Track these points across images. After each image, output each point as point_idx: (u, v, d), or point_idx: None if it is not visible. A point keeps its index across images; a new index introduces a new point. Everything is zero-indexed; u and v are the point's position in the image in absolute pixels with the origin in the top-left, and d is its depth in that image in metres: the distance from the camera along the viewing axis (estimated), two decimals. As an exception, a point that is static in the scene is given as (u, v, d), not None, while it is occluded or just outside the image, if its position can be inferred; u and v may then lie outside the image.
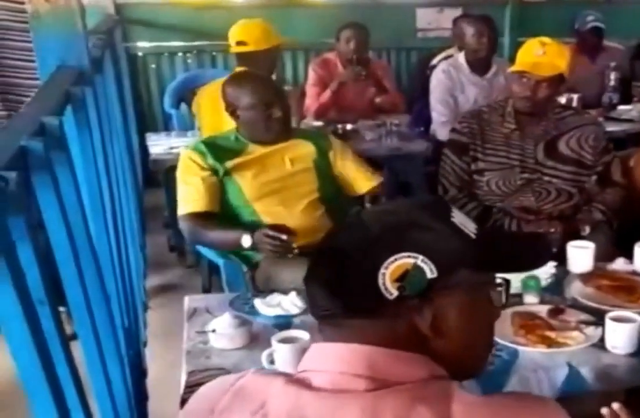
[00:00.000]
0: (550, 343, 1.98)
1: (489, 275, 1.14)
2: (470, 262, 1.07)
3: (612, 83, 5.10)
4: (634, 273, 2.44)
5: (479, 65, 4.58)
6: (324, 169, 2.98)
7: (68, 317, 2.17)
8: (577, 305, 2.21)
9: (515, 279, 2.07)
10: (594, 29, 5.40)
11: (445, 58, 4.96)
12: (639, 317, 1.98)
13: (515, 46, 4.10)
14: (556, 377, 1.89)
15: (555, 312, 2.14)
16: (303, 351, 1.53)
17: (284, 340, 1.90)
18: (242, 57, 4.16)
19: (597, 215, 3.01)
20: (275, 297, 2.27)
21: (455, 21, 5.45)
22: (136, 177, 4.79)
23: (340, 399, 1.00)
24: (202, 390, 1.17)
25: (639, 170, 3.30)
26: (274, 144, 2.90)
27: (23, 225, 1.19)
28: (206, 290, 3.83)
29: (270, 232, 2.53)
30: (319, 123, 4.50)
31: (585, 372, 1.90)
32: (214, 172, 2.81)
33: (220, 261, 3.03)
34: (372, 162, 3.21)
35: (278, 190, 2.87)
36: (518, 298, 2.20)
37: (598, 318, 2.06)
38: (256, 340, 2.07)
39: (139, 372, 2.74)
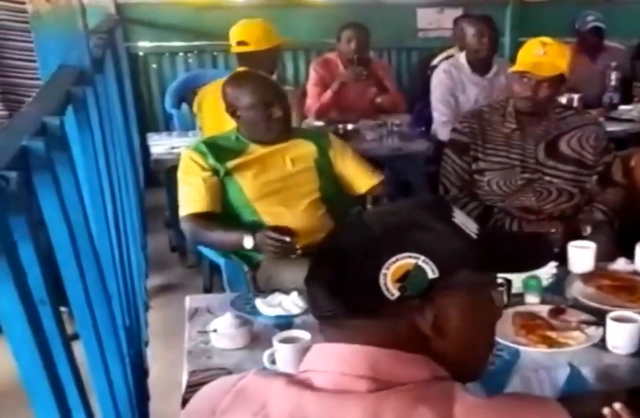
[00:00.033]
0: (551, 343, 1.98)
1: (490, 276, 1.14)
2: (472, 262, 1.07)
3: (612, 83, 5.10)
4: (635, 273, 2.44)
5: (480, 65, 4.59)
6: (325, 169, 2.98)
7: (69, 316, 2.17)
8: (578, 305, 2.21)
9: (516, 279, 2.07)
10: (595, 29, 5.40)
11: (446, 58, 4.96)
12: (640, 317, 1.98)
13: (516, 46, 4.11)
14: (557, 377, 1.89)
15: (556, 312, 2.14)
16: (304, 351, 1.53)
17: (285, 340, 1.90)
18: (242, 57, 4.17)
19: (598, 215, 3.01)
20: (277, 297, 2.27)
21: (456, 21, 5.45)
22: (137, 177, 4.79)
23: (341, 400, 0.99)
24: (203, 390, 1.17)
25: (640, 170, 3.30)
26: (275, 144, 2.90)
27: (24, 224, 1.19)
28: (207, 290, 3.83)
29: (273, 234, 2.53)
30: (320, 123, 4.50)
31: (587, 372, 1.90)
32: (215, 172, 2.81)
33: (221, 261, 3.03)
34: (373, 162, 3.20)
35: (279, 190, 2.87)
36: (519, 298, 2.20)
37: (599, 318, 2.06)
38: (257, 340, 2.07)
39: (140, 372, 2.74)
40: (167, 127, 5.45)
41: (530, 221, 3.04)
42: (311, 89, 4.86)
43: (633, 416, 1.42)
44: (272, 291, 2.38)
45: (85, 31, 2.19)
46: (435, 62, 5.09)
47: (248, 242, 2.60)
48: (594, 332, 2.02)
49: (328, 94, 4.71)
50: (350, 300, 1.05)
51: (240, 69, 3.95)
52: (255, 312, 2.24)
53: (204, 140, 2.99)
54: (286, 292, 2.30)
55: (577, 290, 2.32)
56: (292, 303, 2.22)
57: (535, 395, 1.13)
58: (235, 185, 2.84)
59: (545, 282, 2.30)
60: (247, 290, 2.73)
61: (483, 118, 3.11)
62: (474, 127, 3.09)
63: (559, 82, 2.94)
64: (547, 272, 2.32)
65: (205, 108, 3.98)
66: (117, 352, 2.06)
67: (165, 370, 2.99)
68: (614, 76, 5.10)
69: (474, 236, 1.10)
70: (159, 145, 4.39)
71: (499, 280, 1.16)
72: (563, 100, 4.27)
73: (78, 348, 1.65)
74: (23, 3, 2.62)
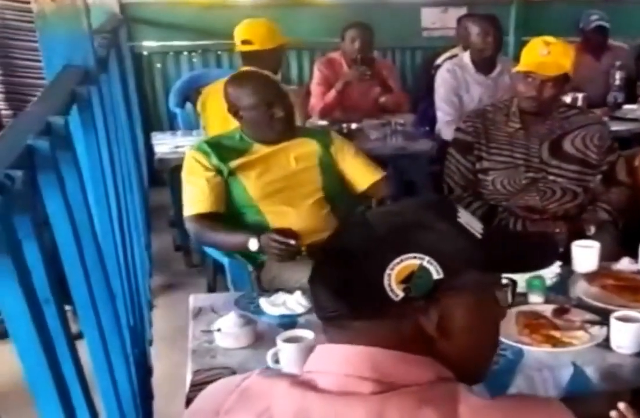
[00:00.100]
0: (555, 342, 1.98)
1: (495, 276, 1.13)
2: (477, 263, 1.06)
3: (617, 82, 5.09)
4: (639, 272, 2.44)
5: (484, 65, 4.58)
6: (328, 167, 2.97)
7: (74, 315, 2.18)
8: (582, 305, 2.21)
9: (520, 279, 2.06)
10: (599, 28, 5.39)
11: (450, 57, 4.96)
12: (644, 317, 1.98)
13: (520, 45, 4.11)
14: (561, 376, 1.89)
15: (560, 312, 2.13)
16: (308, 350, 1.53)
17: (289, 340, 1.90)
18: (247, 57, 4.17)
19: (602, 214, 3.01)
20: (280, 296, 2.28)
21: (460, 20, 5.45)
22: (141, 176, 4.80)
23: (345, 401, 0.99)
24: (207, 390, 1.17)
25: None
26: (278, 143, 2.90)
27: (29, 223, 1.19)
28: (211, 289, 3.83)
29: (278, 238, 2.53)
30: (324, 122, 4.51)
31: (590, 371, 1.90)
32: (219, 172, 2.81)
33: (225, 260, 3.04)
34: (377, 161, 3.19)
35: (282, 190, 2.87)
36: (523, 298, 2.20)
37: (603, 317, 2.06)
38: (261, 339, 2.07)
39: (144, 371, 2.74)
40: (171, 127, 5.45)
41: (534, 220, 3.04)
42: (315, 88, 4.86)
43: (638, 416, 1.42)
44: (276, 290, 2.38)
45: (89, 31, 2.20)
46: (439, 61, 5.08)
47: (253, 244, 2.60)
48: (597, 331, 2.02)
49: (332, 93, 4.71)
50: (354, 301, 1.05)
51: (245, 68, 3.95)
52: (259, 311, 2.24)
53: (207, 140, 2.99)
54: (290, 291, 2.30)
55: (581, 289, 2.32)
56: (296, 302, 2.22)
57: (539, 396, 1.13)
58: (239, 185, 2.84)
59: (549, 282, 2.30)
60: (251, 289, 2.73)
61: (487, 117, 3.11)
62: (478, 126, 3.09)
63: (563, 82, 2.94)
64: (551, 271, 2.32)
65: (209, 107, 3.98)
66: (121, 351, 2.07)
67: (169, 369, 2.99)
68: (618, 75, 5.09)
69: (479, 236, 1.09)
70: (163, 144, 4.39)
71: (504, 281, 1.16)
72: (567, 99, 4.27)
73: (82, 347, 1.65)
74: (28, 2, 2.63)
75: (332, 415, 0.99)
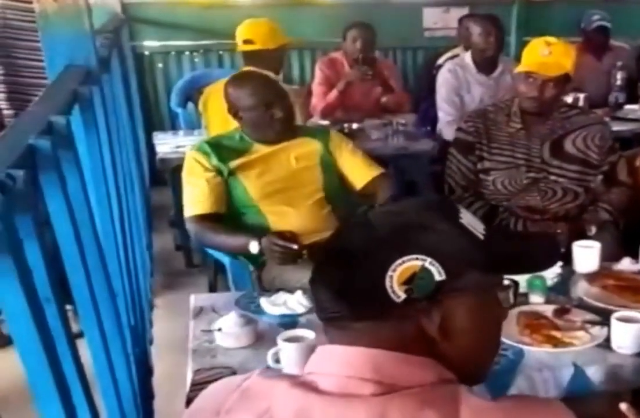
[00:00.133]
0: (555, 343, 1.98)
1: (497, 277, 1.13)
2: (479, 264, 1.06)
3: (618, 82, 5.09)
4: (640, 273, 2.44)
5: (485, 65, 4.58)
6: (329, 166, 2.97)
7: (74, 315, 2.18)
8: (582, 305, 2.21)
9: (521, 279, 2.07)
10: (600, 28, 5.40)
11: (452, 57, 4.96)
12: (645, 317, 1.98)
13: (522, 45, 4.11)
14: (562, 376, 1.89)
15: (561, 312, 2.14)
16: (309, 350, 1.54)
17: (289, 339, 1.90)
18: (249, 56, 4.17)
19: (603, 215, 3.01)
20: (281, 296, 2.28)
21: (461, 20, 5.45)
22: (143, 176, 4.80)
23: (347, 403, 0.99)
24: (207, 390, 1.17)
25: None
26: (279, 143, 2.90)
27: (30, 223, 1.19)
28: (212, 289, 3.84)
29: (280, 242, 2.52)
30: (325, 122, 4.51)
31: (591, 372, 1.90)
32: (219, 172, 2.81)
33: (226, 260, 3.04)
34: (378, 161, 3.19)
35: (283, 190, 2.87)
36: (524, 298, 2.20)
37: (604, 318, 2.06)
38: (262, 339, 2.07)
39: (145, 370, 2.74)
40: (173, 126, 5.47)
41: (535, 221, 3.04)
42: (317, 88, 4.87)
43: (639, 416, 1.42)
44: (277, 290, 2.38)
45: (91, 31, 2.20)
46: (440, 61, 5.09)
47: (253, 247, 2.59)
48: (598, 331, 2.02)
49: (334, 93, 4.71)
50: (356, 302, 1.05)
51: (246, 68, 3.96)
52: (259, 311, 2.24)
53: (207, 140, 2.99)
54: (291, 291, 2.30)
55: (581, 289, 2.32)
56: (296, 302, 2.23)
57: (541, 397, 1.13)
58: (240, 185, 2.84)
59: (549, 282, 2.30)
60: (252, 289, 2.74)
61: (488, 117, 3.11)
62: (479, 126, 3.09)
63: (564, 82, 2.94)
64: (551, 271, 2.31)
65: (210, 107, 3.98)
66: (121, 350, 2.07)
67: (170, 369, 2.99)
68: (619, 76, 5.09)
69: (481, 237, 1.09)
70: (165, 144, 4.39)
71: (506, 282, 1.15)
72: (569, 99, 4.27)
73: (83, 346, 1.65)
74: (30, 2, 2.63)
75: (333, 416, 0.98)
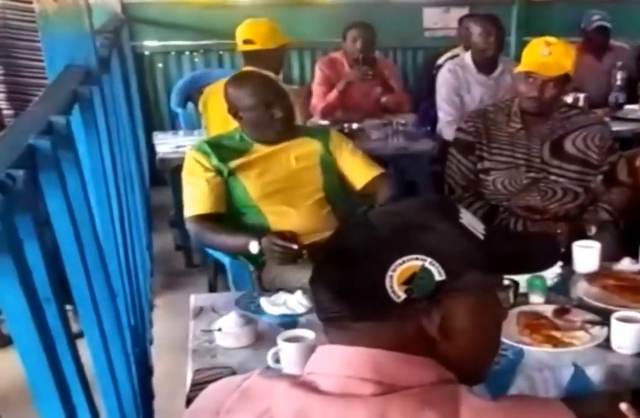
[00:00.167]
0: (555, 343, 1.98)
1: (497, 277, 1.13)
2: (479, 264, 1.06)
3: (618, 82, 5.09)
4: (640, 273, 2.44)
5: (486, 65, 4.58)
6: (329, 166, 2.97)
7: (74, 315, 2.18)
8: (582, 305, 2.21)
9: (521, 279, 2.06)
10: (600, 28, 5.40)
11: (452, 57, 4.96)
12: (645, 317, 1.98)
13: (522, 45, 4.11)
14: (561, 376, 1.89)
15: (561, 312, 2.14)
16: (309, 350, 1.54)
17: (289, 339, 1.90)
18: (249, 56, 4.18)
19: (603, 215, 3.01)
20: (281, 296, 2.28)
21: (462, 20, 5.45)
22: (143, 176, 4.80)
23: (347, 403, 0.99)
24: (207, 390, 1.17)
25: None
26: (278, 143, 2.90)
27: (30, 223, 1.19)
28: (212, 289, 3.84)
29: (280, 242, 2.52)
30: (325, 122, 4.51)
31: (591, 372, 1.90)
32: (219, 172, 2.81)
33: (226, 260, 3.04)
34: (378, 161, 3.19)
35: (283, 190, 2.87)
36: (523, 298, 2.20)
37: (604, 318, 2.06)
38: (262, 339, 2.07)
39: (145, 370, 2.74)
40: (173, 126, 5.47)
41: (535, 221, 3.04)
42: (317, 88, 4.87)
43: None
44: (277, 290, 2.38)
45: (91, 31, 2.20)
46: (440, 61, 5.09)
47: (253, 247, 2.59)
48: (598, 331, 2.02)
49: (334, 93, 4.71)
50: (356, 302, 1.05)
51: (246, 68, 3.96)
52: (259, 311, 2.24)
53: (207, 140, 2.99)
54: (291, 291, 2.30)
55: (581, 290, 2.32)
56: (296, 302, 2.23)
57: (541, 398, 1.13)
58: (239, 185, 2.84)
59: (549, 282, 2.30)
60: (252, 289, 2.74)
61: (488, 117, 3.11)
62: (479, 126, 3.09)
63: (564, 82, 2.94)
64: (551, 271, 2.31)
65: (210, 107, 3.98)
66: (121, 350, 2.07)
67: (170, 369, 2.99)
68: (619, 76, 5.09)
69: (481, 237, 1.09)
70: (165, 144, 4.40)
71: (506, 282, 1.15)
72: (569, 99, 4.27)
73: (83, 346, 1.65)
74: (30, 2, 2.63)
75: (333, 416, 0.98)
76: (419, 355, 1.04)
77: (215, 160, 2.81)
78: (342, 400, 0.99)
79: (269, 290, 2.55)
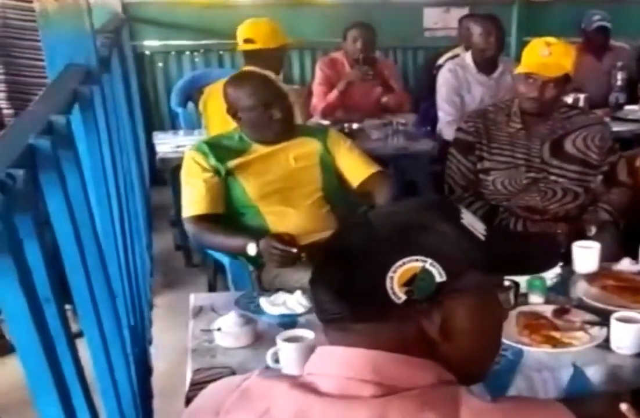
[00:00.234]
0: (555, 343, 1.98)
1: (498, 278, 1.13)
2: (480, 265, 1.06)
3: (618, 83, 5.08)
4: (640, 273, 2.44)
5: (486, 65, 4.58)
6: (328, 165, 2.96)
7: (74, 314, 2.18)
8: (582, 305, 2.21)
9: (521, 279, 2.06)
10: (601, 29, 5.40)
11: (452, 57, 4.96)
12: (644, 318, 1.98)
13: (522, 45, 4.10)
14: (561, 377, 1.89)
15: (560, 312, 2.14)
16: (308, 350, 1.54)
17: (289, 339, 1.90)
18: (249, 56, 4.18)
19: (603, 215, 3.01)
20: (281, 296, 2.28)
21: (462, 21, 5.45)
22: (143, 176, 4.80)
23: (347, 405, 0.98)
24: (207, 390, 1.17)
25: (646, 170, 3.30)
26: (278, 143, 2.90)
27: (30, 223, 1.19)
28: (212, 288, 3.83)
29: (280, 246, 2.51)
30: (326, 122, 4.51)
31: (590, 372, 1.90)
32: (217, 172, 2.81)
33: (226, 260, 3.03)
34: (378, 161, 3.18)
35: (281, 190, 2.86)
36: (523, 298, 2.20)
37: (603, 318, 2.06)
38: (261, 338, 2.07)
39: (144, 370, 2.74)
40: (173, 126, 5.46)
41: (535, 221, 3.04)
42: (317, 88, 4.87)
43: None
44: (277, 290, 2.38)
45: (92, 30, 2.20)
46: (440, 61, 5.09)
47: (251, 249, 2.58)
48: (597, 332, 2.02)
49: (334, 93, 4.71)
50: (356, 303, 1.04)
51: (247, 68, 3.96)
52: (259, 310, 2.24)
53: (206, 140, 2.99)
54: (290, 291, 2.30)
55: (581, 290, 2.32)
56: (296, 302, 2.23)
57: (541, 399, 1.12)
58: (238, 185, 2.83)
59: (549, 282, 2.30)
60: (252, 289, 2.73)
61: (488, 117, 3.11)
62: (479, 126, 3.09)
63: (564, 82, 2.94)
64: (551, 271, 2.31)
65: (210, 107, 3.98)
66: (121, 350, 2.07)
67: (169, 369, 2.99)
68: (619, 76, 5.08)
69: (482, 238, 1.08)
70: (165, 143, 4.40)
71: (507, 283, 1.15)
72: (569, 100, 4.27)
73: (82, 346, 1.65)
74: (30, 2, 2.63)
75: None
76: (419, 356, 1.03)
77: (213, 160, 2.81)
78: (342, 401, 0.99)
79: (269, 290, 2.55)
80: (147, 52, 5.95)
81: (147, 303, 3.40)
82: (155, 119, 5.98)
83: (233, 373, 1.85)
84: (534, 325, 2.04)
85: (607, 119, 4.00)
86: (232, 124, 3.02)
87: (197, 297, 2.40)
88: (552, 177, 3.02)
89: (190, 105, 4.97)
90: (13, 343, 1.19)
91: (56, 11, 2.01)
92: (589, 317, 2.11)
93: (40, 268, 1.21)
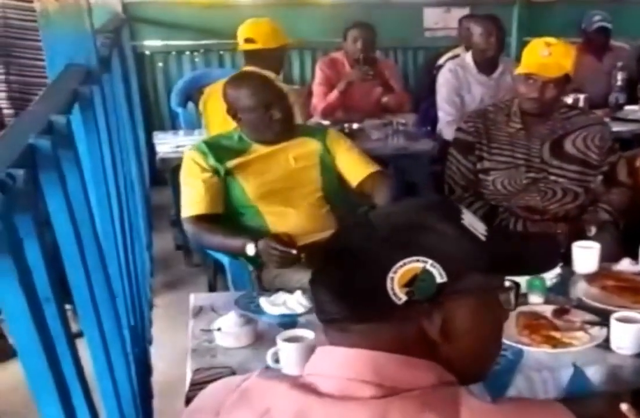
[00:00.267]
0: (555, 343, 1.98)
1: (498, 278, 1.13)
2: (481, 265, 1.05)
3: (618, 83, 5.08)
4: (640, 273, 2.44)
5: (486, 65, 4.58)
6: (328, 165, 2.96)
7: (74, 314, 2.18)
8: (582, 306, 2.21)
9: (521, 279, 2.06)
10: (601, 29, 5.40)
11: (452, 57, 4.96)
12: (644, 318, 1.98)
13: (522, 46, 4.10)
14: (561, 377, 1.89)
15: (560, 312, 2.14)
16: (308, 350, 1.54)
17: (289, 339, 1.90)
18: (249, 56, 4.18)
19: (603, 215, 3.01)
20: (281, 296, 2.28)
21: (462, 21, 5.45)
22: (143, 176, 4.80)
23: (347, 406, 0.98)
24: (207, 390, 1.17)
25: (646, 170, 3.30)
26: (277, 144, 2.90)
27: (30, 222, 1.19)
28: (212, 288, 3.83)
29: (278, 246, 2.50)
30: (326, 122, 4.51)
31: (590, 372, 1.90)
32: (216, 172, 2.80)
33: (226, 260, 3.03)
34: (378, 161, 3.18)
35: (281, 190, 2.86)
36: (523, 298, 2.20)
37: (603, 318, 2.06)
38: (261, 338, 2.07)
39: (144, 370, 2.74)
40: (173, 126, 5.47)
41: (534, 221, 3.04)
42: (317, 88, 4.87)
43: (640, 417, 1.42)
44: (277, 290, 2.38)
45: (92, 30, 2.20)
46: (441, 61, 5.09)
47: (250, 249, 2.57)
48: (597, 332, 2.02)
49: (334, 93, 4.71)
50: (357, 304, 1.04)
51: (247, 67, 3.96)
52: (259, 310, 2.24)
53: (205, 140, 2.99)
54: (291, 291, 2.30)
55: (581, 290, 2.32)
56: (296, 302, 2.23)
57: (541, 400, 1.12)
58: (238, 185, 2.83)
59: (549, 282, 2.30)
60: (252, 289, 2.73)
61: (488, 117, 3.11)
62: (479, 126, 3.09)
63: (564, 82, 2.94)
64: (551, 272, 2.31)
65: (210, 107, 3.98)
66: (121, 350, 2.07)
67: (169, 369, 2.99)
68: (619, 76, 5.08)
69: (483, 238, 1.08)
70: (165, 143, 4.40)
71: (508, 283, 1.15)
72: (569, 100, 4.27)
73: (82, 346, 1.65)
74: (31, 1, 2.63)
75: None
76: (419, 357, 1.03)
77: (212, 160, 2.80)
78: (342, 402, 0.99)
79: (269, 290, 2.55)
80: (147, 52, 5.95)
81: (147, 303, 3.40)
82: (155, 119, 5.99)
83: (233, 373, 1.85)
84: (534, 325, 2.04)
85: (607, 119, 4.00)
86: (232, 124, 3.01)
87: (197, 297, 2.40)
88: (552, 177, 3.02)
89: (190, 105, 4.97)
90: (15, 348, 1.19)
91: (57, 11, 2.01)
92: (589, 317, 2.12)
93: (40, 268, 1.21)
